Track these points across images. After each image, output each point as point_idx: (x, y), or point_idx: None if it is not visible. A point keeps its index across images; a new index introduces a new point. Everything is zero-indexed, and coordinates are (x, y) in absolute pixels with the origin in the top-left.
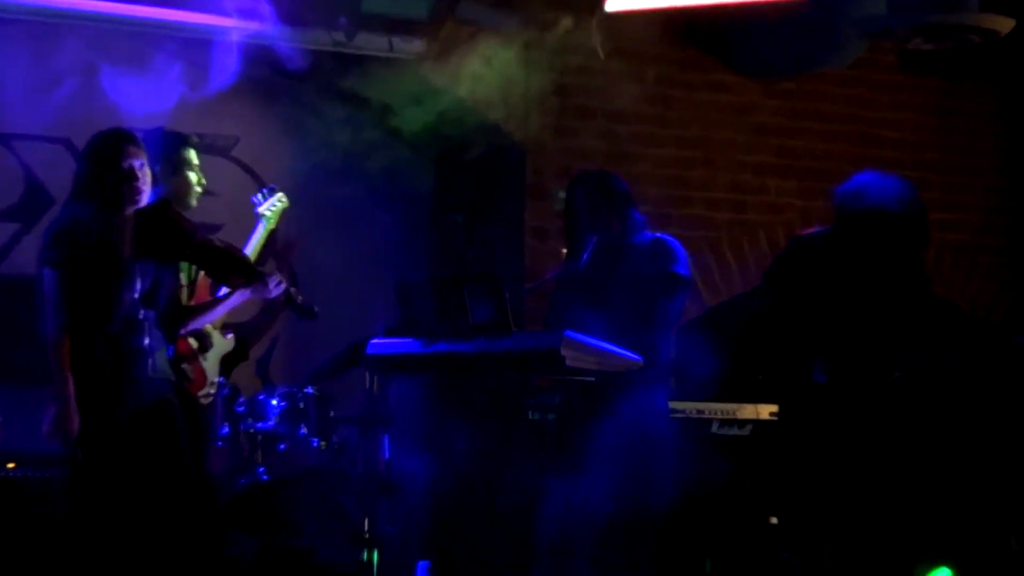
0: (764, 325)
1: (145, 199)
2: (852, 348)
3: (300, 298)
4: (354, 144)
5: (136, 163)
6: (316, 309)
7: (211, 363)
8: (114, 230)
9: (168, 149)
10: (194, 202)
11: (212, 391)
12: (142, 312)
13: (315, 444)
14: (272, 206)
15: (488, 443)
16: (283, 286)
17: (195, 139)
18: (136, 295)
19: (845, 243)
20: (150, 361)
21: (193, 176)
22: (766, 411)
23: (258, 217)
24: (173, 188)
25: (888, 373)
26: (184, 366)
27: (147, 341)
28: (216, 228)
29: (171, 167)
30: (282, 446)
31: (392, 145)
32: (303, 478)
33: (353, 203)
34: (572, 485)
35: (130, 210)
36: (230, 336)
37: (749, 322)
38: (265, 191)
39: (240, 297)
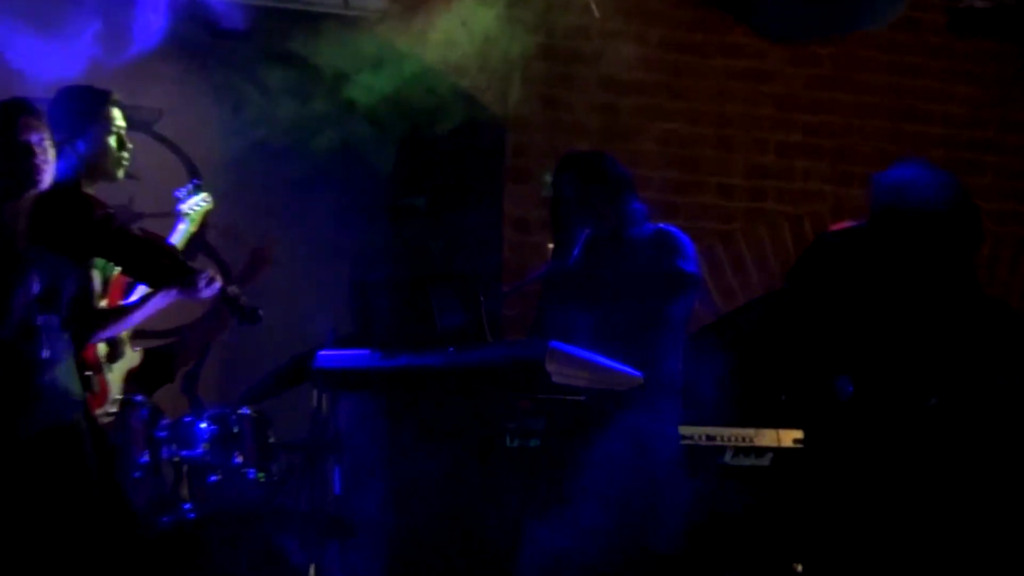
0: (787, 336)
1: (47, 181)
2: (885, 367)
3: (244, 298)
4: (301, 118)
5: (34, 138)
6: (260, 312)
7: (116, 376)
8: (7, 219)
9: (84, 108)
10: (119, 174)
11: (113, 410)
12: (40, 317)
13: (251, 476)
14: (196, 206)
15: (459, 475)
16: (216, 285)
17: (119, 96)
18: (32, 296)
19: (881, 243)
20: (49, 375)
21: (114, 141)
22: (789, 437)
23: (179, 215)
24: (90, 159)
25: (923, 399)
26: (88, 374)
27: (46, 352)
28: (135, 217)
29: (88, 131)
30: (212, 478)
31: (347, 119)
32: (237, 516)
33: (299, 188)
34: (559, 524)
35: (29, 194)
36: (138, 349)
37: (769, 332)
38: (190, 186)
39: (163, 299)
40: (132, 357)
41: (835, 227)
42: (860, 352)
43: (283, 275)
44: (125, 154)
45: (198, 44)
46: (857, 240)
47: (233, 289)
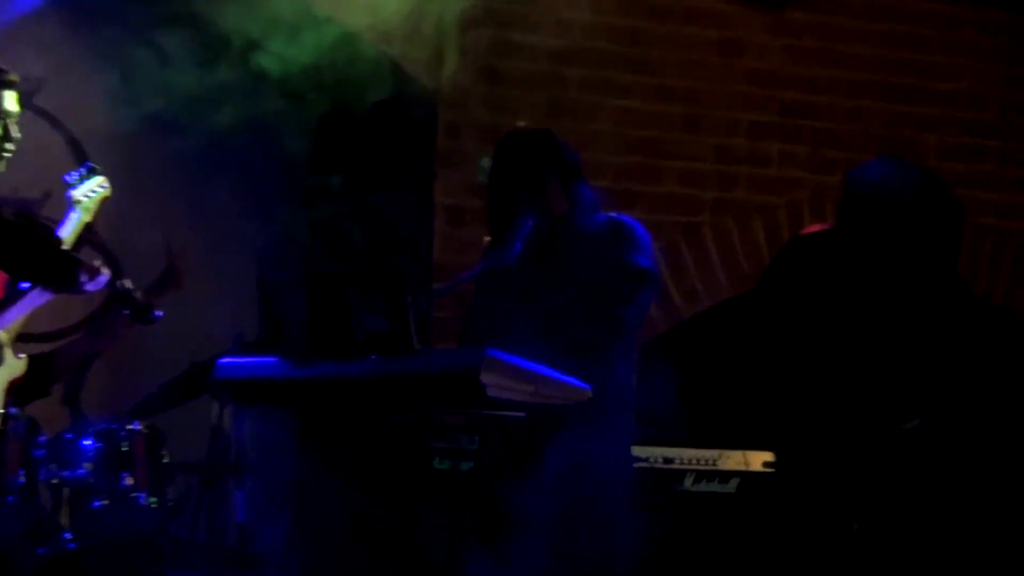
0: (757, 345)
1: None
2: (859, 387)
3: (139, 293)
4: (203, 89)
5: None
6: (157, 312)
7: None
8: None
9: None
10: (0, 167)
11: None
12: None
13: (142, 500)
14: (90, 192)
15: (380, 501)
16: (103, 278)
17: (15, 76)
18: None
19: (854, 248)
20: None
21: None
22: (758, 461)
23: (70, 203)
24: None
25: (901, 422)
26: None
27: None
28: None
29: None
30: (97, 503)
31: (256, 92)
32: (125, 547)
33: (200, 169)
34: (494, 558)
35: None
36: (23, 356)
37: (738, 341)
38: (83, 170)
39: (40, 296)
40: (16, 365)
41: (810, 229)
42: (836, 368)
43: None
44: (10, 146)
45: (84, 4)
46: (832, 244)
47: (123, 283)
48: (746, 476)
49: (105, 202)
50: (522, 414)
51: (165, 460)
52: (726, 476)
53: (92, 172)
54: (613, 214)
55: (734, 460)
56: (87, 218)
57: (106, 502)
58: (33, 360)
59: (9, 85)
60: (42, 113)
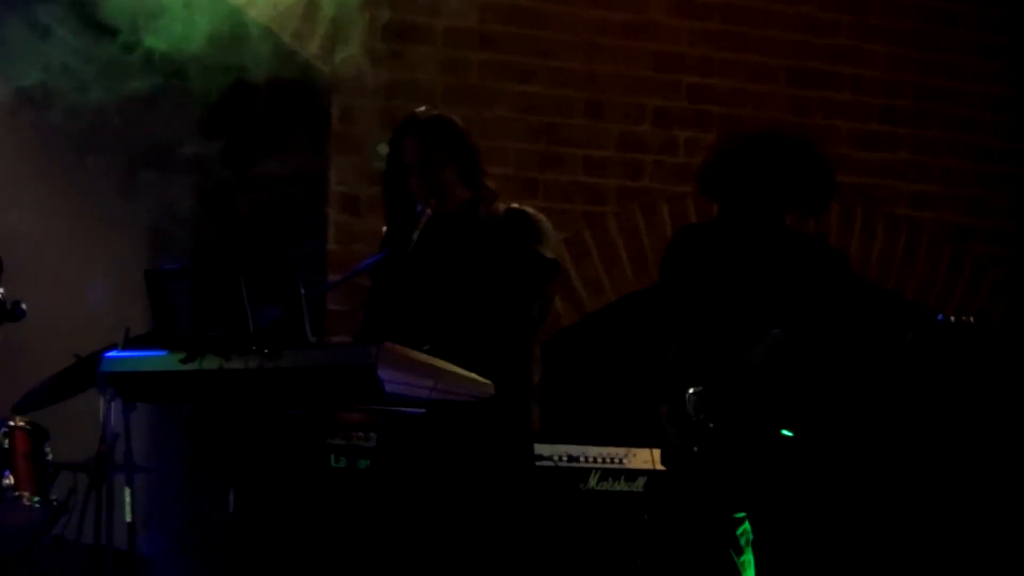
0: (662, 338)
1: None
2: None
3: (2, 290)
4: (84, 63)
5: None
6: (23, 306)
7: None
8: None
9: None
10: None
11: None
12: None
13: (24, 500)
14: None
15: (273, 501)
16: None
17: None
18: None
19: (728, 232)
20: None
21: None
22: None
23: None
24: None
25: (770, 436)
26: None
27: None
28: None
29: None
30: None
31: (141, 73)
32: (6, 549)
33: (81, 148)
34: (394, 560)
35: None
36: None
37: (644, 333)
38: None
39: None
40: None
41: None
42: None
43: (62, 256)
44: None
45: None
46: (711, 233)
47: None
48: (654, 475)
49: None
50: (422, 411)
51: (49, 457)
52: (633, 474)
53: None
54: (514, 204)
55: (641, 458)
56: None
57: None
58: None
59: None
60: None
